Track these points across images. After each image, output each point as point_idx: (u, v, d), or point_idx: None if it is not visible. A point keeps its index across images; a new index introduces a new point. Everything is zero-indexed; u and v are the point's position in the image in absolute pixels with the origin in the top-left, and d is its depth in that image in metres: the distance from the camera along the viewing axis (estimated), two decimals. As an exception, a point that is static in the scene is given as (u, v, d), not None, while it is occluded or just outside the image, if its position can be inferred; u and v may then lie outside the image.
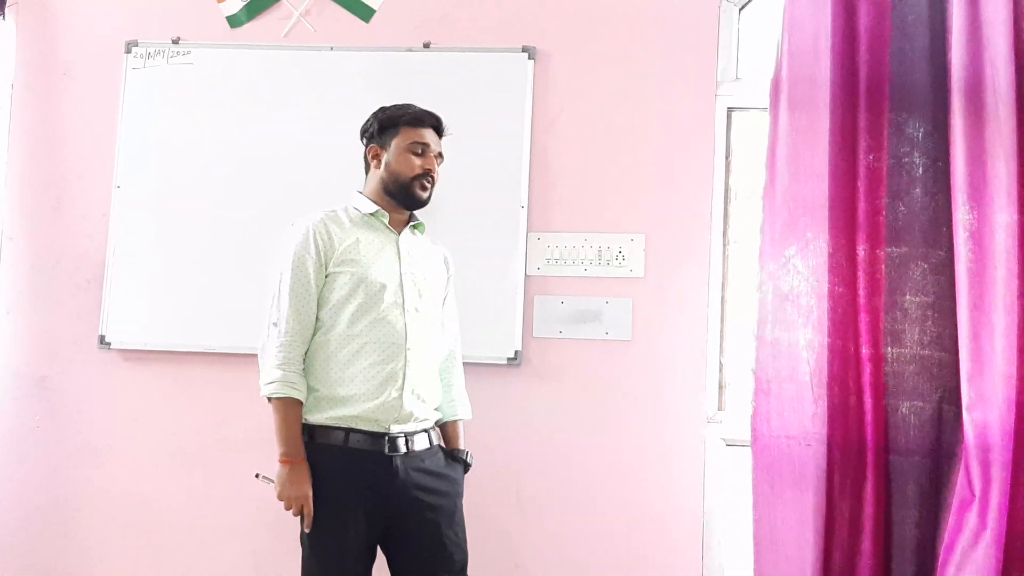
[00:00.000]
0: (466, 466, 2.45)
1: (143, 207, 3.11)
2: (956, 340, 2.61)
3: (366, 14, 3.14)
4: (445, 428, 2.48)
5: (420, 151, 2.40)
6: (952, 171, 2.64)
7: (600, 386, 2.95)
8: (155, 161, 3.12)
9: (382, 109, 2.47)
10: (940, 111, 2.69)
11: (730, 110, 3.04)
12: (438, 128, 2.46)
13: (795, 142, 2.74)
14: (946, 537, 2.58)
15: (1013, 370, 2.52)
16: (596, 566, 2.92)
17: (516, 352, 2.96)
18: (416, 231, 2.49)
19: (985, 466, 2.53)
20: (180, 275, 3.07)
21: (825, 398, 2.63)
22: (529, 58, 3.05)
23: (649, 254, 2.98)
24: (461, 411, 2.52)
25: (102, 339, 3.07)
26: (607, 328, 2.97)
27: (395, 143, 2.41)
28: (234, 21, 3.18)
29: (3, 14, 3.20)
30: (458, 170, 2.97)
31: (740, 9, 3.06)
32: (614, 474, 2.93)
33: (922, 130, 2.71)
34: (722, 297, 3.00)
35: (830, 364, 2.65)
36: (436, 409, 2.44)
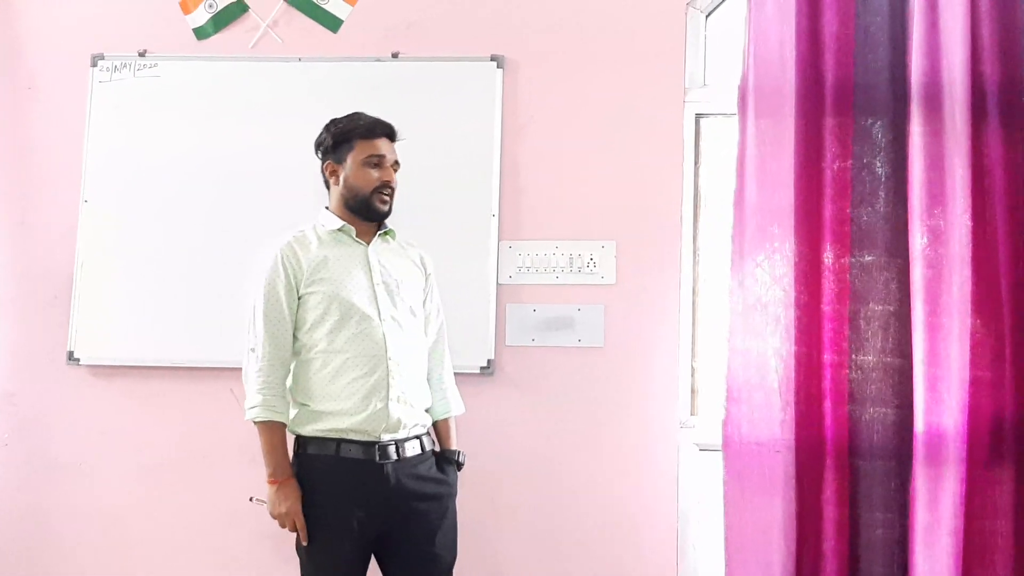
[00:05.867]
0: (459, 465, 2.48)
1: (111, 221, 3.08)
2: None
3: (334, 24, 3.13)
4: (437, 427, 2.51)
5: (376, 163, 2.42)
6: (909, 178, 2.67)
7: (573, 393, 2.95)
8: (122, 175, 3.09)
9: (333, 122, 2.48)
10: (901, 118, 2.71)
11: (699, 116, 3.06)
12: (391, 136, 2.47)
13: (762, 151, 2.76)
14: (915, 538, 2.62)
15: (967, 374, 2.56)
16: (573, 571, 2.92)
17: (489, 361, 2.96)
18: (387, 238, 2.49)
19: (937, 467, 2.57)
20: (148, 290, 3.04)
21: (793, 405, 2.66)
22: (498, 67, 3.06)
23: (620, 261, 2.99)
24: (453, 407, 2.54)
25: (70, 355, 3.04)
26: (579, 335, 2.98)
27: (351, 158, 2.43)
28: (201, 33, 3.17)
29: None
30: (429, 180, 2.99)
31: (707, 16, 3.08)
32: (589, 480, 2.93)
33: (885, 138, 2.74)
34: (693, 302, 3.01)
35: (797, 372, 2.67)
36: (427, 411, 2.46)
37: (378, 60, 3.09)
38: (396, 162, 2.47)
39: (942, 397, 2.59)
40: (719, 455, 2.78)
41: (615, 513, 2.92)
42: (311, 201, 3.02)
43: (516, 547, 2.94)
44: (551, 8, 3.07)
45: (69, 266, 3.07)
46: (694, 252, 3.03)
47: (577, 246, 3.00)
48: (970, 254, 2.59)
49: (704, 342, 3.01)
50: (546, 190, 3.03)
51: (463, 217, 3.01)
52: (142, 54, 3.14)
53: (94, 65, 3.14)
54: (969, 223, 2.60)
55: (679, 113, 3.02)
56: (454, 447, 2.50)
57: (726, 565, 2.72)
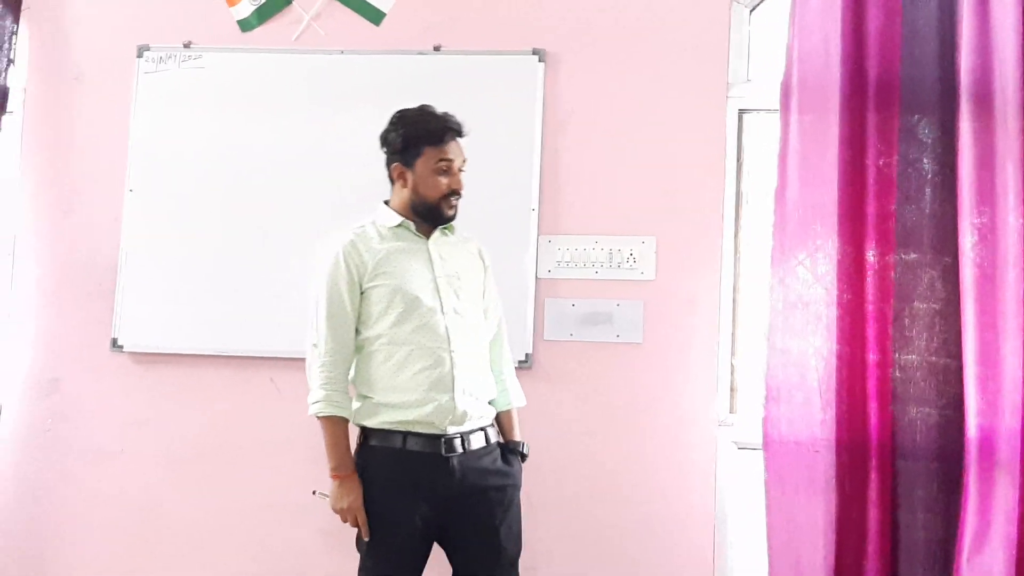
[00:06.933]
0: (523, 456, 2.48)
1: (155, 211, 3.12)
2: (961, 345, 2.60)
3: (376, 17, 3.15)
4: (500, 419, 2.50)
5: (446, 168, 2.39)
6: (959, 175, 2.63)
7: (611, 389, 2.94)
8: (167, 165, 3.13)
9: (401, 119, 2.41)
10: (949, 115, 2.67)
11: (741, 112, 3.03)
12: (460, 135, 2.42)
13: (805, 147, 2.74)
14: (963, 543, 2.58)
15: (1020, 375, 2.52)
16: (609, 569, 2.91)
17: (527, 355, 2.96)
18: (446, 232, 2.48)
19: (989, 470, 2.53)
20: (192, 278, 3.08)
21: (834, 405, 2.63)
22: (539, 60, 3.05)
23: (660, 257, 2.97)
24: (514, 399, 2.53)
25: (114, 342, 3.09)
26: (618, 331, 2.97)
27: (419, 164, 2.38)
28: (245, 25, 3.19)
29: (17, 21, 3.22)
30: (469, 173, 2.97)
31: (751, 10, 3.05)
32: (625, 477, 2.92)
33: (932, 135, 2.70)
34: (733, 299, 2.99)
35: (839, 371, 2.65)
36: (491, 403, 2.45)
37: (420, 53, 3.10)
38: (464, 160, 2.43)
39: (993, 398, 2.55)
40: (758, 454, 2.76)
41: (652, 510, 2.91)
42: (352, 192, 3.05)
43: (552, 542, 2.94)
44: (593, 2, 3.06)
45: (114, 255, 3.12)
46: (735, 249, 3.00)
47: (617, 241, 2.99)
48: (1021, 253, 2.55)
49: (744, 340, 2.99)
50: (586, 185, 3.02)
51: (503, 211, 3.01)
52: (187, 45, 3.17)
53: (140, 56, 3.18)
54: (1020, 221, 2.55)
55: (722, 108, 3.00)
56: (518, 438, 2.49)
57: (769, 564, 2.70)
